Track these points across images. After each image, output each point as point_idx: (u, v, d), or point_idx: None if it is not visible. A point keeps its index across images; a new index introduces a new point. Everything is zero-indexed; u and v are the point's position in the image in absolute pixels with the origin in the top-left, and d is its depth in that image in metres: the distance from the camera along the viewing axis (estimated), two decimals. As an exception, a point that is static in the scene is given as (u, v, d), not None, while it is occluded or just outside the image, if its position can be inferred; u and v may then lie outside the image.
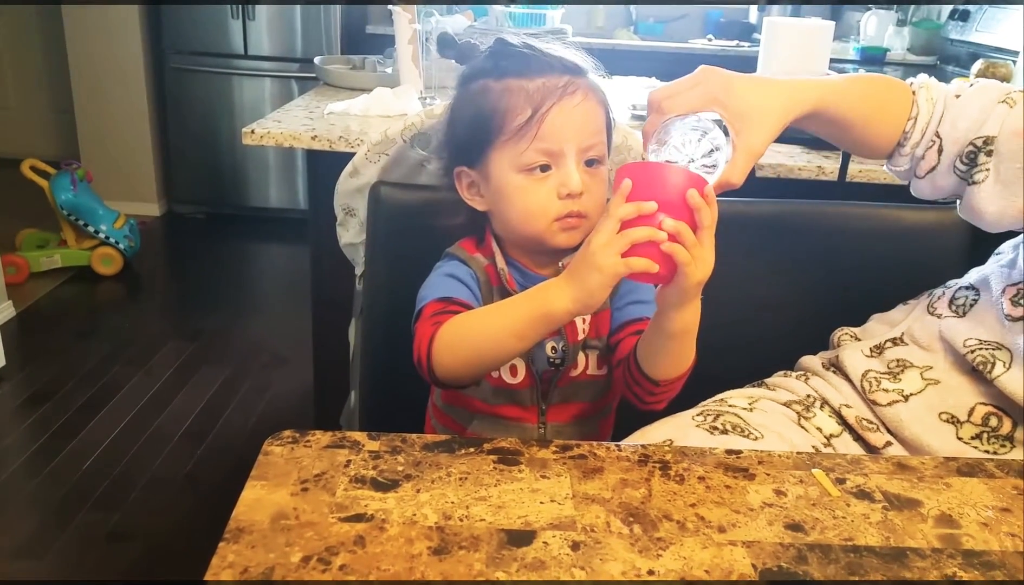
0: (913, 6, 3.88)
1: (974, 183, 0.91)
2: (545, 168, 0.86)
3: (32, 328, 2.91)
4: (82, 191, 3.24)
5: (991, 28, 3.17)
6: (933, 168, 0.95)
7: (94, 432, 2.28)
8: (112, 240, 3.29)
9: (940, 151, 0.93)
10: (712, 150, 0.81)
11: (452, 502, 0.67)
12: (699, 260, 0.72)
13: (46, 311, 3.04)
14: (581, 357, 0.94)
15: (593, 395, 0.97)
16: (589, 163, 0.87)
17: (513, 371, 0.93)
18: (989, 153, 0.90)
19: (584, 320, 0.94)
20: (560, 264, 0.86)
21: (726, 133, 0.84)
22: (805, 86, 0.90)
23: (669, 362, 0.83)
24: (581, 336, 0.94)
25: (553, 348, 0.93)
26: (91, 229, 3.26)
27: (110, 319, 3.09)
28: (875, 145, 0.97)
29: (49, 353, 2.72)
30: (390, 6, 2.11)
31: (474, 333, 0.83)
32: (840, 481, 0.74)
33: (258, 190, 4.04)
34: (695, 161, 0.80)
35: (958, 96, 0.93)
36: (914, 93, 0.95)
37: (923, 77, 0.97)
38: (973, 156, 0.91)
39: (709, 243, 0.73)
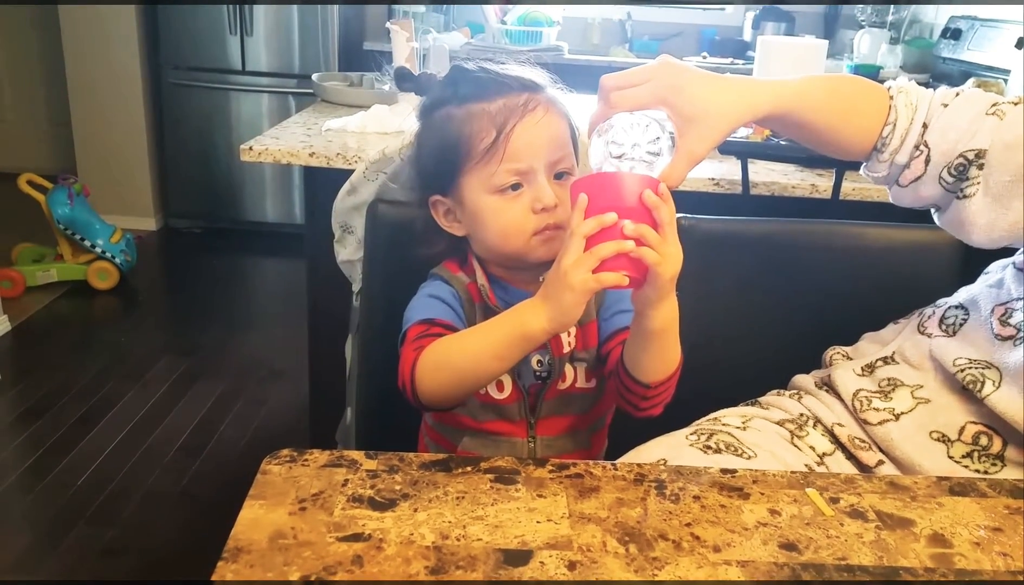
0: (906, 25, 3.91)
1: (965, 197, 0.90)
2: (516, 186, 0.88)
3: (28, 342, 2.90)
4: (79, 205, 3.25)
5: (983, 47, 3.20)
6: (919, 178, 0.93)
7: (89, 447, 2.27)
8: (108, 254, 3.30)
9: (928, 161, 0.91)
10: (658, 138, 0.81)
11: (449, 521, 0.67)
12: (667, 256, 0.74)
13: (42, 325, 3.04)
14: (569, 369, 0.95)
15: (583, 408, 0.97)
16: (558, 176, 0.89)
17: (499, 386, 0.94)
18: (981, 166, 0.88)
19: (569, 333, 0.95)
20: (541, 279, 0.88)
21: (672, 139, 0.84)
22: (762, 89, 0.88)
23: (655, 362, 0.84)
24: (567, 349, 0.95)
25: (539, 361, 0.94)
26: (87, 243, 3.27)
27: (106, 334, 3.09)
28: (846, 148, 0.94)
29: (44, 367, 2.72)
30: (388, 23, 2.12)
31: (454, 356, 0.84)
32: (834, 500, 0.75)
33: (254, 205, 4.04)
34: (640, 146, 0.80)
35: (945, 105, 0.91)
36: (891, 97, 0.92)
37: (902, 80, 0.94)
38: (963, 169, 0.90)
39: (673, 238, 0.75)
